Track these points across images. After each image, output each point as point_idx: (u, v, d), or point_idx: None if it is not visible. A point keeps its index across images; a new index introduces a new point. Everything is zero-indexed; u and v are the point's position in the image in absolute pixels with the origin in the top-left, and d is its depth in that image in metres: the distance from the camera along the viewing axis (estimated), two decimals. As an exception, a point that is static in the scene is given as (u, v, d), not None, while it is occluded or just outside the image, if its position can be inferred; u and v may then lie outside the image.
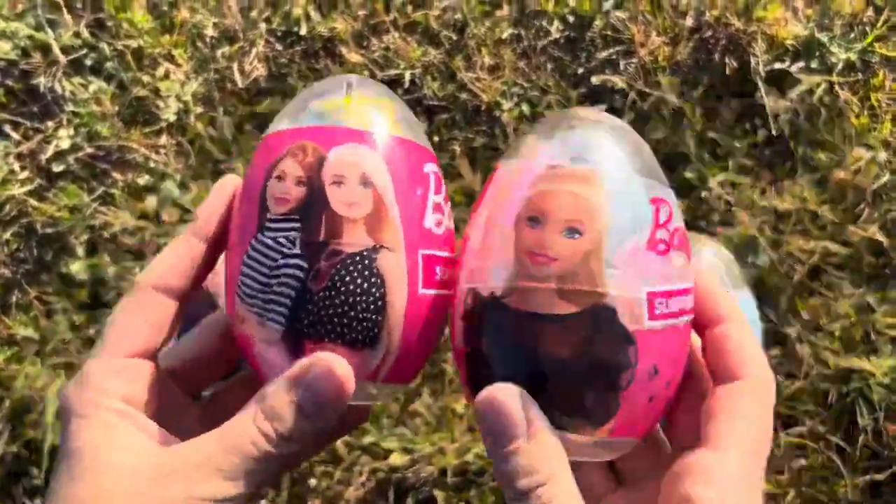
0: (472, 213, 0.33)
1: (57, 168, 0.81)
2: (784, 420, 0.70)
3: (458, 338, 0.31)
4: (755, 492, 0.30)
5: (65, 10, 0.85)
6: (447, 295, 0.33)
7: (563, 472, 0.28)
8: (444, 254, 0.34)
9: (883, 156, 0.75)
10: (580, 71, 0.81)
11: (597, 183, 0.30)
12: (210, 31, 0.85)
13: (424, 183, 0.33)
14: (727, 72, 0.79)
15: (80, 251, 0.80)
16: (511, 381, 0.29)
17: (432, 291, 0.33)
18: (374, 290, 0.32)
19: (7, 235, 0.80)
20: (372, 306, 0.32)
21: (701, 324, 0.33)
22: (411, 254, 0.33)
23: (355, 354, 0.31)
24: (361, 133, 0.32)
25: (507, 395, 0.28)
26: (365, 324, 0.31)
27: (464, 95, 0.82)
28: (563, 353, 0.29)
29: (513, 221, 0.30)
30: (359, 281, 0.31)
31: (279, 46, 0.85)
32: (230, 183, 0.33)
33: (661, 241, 0.30)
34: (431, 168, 0.34)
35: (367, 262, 0.32)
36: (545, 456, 0.28)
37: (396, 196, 0.32)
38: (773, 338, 0.72)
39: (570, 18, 0.83)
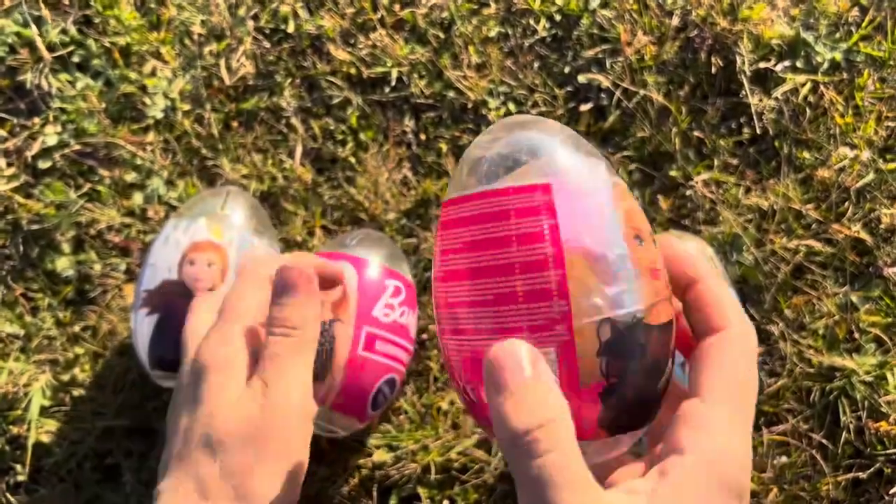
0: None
1: (43, 165, 0.81)
2: (767, 418, 0.70)
3: (590, 377, 0.30)
4: (744, 436, 0.30)
5: (43, 7, 0.85)
6: (381, 363, 0.57)
7: (564, 419, 0.27)
8: (386, 334, 0.57)
9: (867, 155, 0.75)
10: (567, 69, 0.82)
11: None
12: (197, 29, 0.85)
13: (381, 290, 0.58)
14: (713, 71, 0.79)
15: (66, 248, 0.80)
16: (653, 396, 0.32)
17: (369, 355, 0.56)
18: (327, 344, 0.52)
19: (-7, 232, 0.80)
20: (325, 354, 0.52)
21: (679, 288, 0.34)
22: (357, 328, 0.55)
23: (314, 383, 0.44)
24: (362, 260, 0.60)
25: (515, 344, 0.28)
26: (318, 363, 0.47)
27: (451, 94, 0.82)
28: (669, 355, 0.32)
29: (623, 242, 0.30)
30: (322, 337, 0.49)
31: (267, 44, 0.85)
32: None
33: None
34: (392, 283, 0.60)
35: (327, 326, 0.53)
36: (549, 401, 0.27)
37: (359, 292, 0.56)
38: (757, 336, 0.72)
39: (557, 17, 0.83)
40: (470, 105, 0.81)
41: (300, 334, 0.39)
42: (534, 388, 0.27)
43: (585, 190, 0.29)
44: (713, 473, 0.28)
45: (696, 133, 0.78)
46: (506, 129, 0.33)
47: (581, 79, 0.81)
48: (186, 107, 0.83)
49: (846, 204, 0.74)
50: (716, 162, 0.77)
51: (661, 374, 0.31)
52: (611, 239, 0.29)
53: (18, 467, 0.74)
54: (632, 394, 0.30)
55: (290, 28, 0.85)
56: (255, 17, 0.86)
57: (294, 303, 0.39)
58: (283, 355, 0.39)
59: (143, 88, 0.83)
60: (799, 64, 0.79)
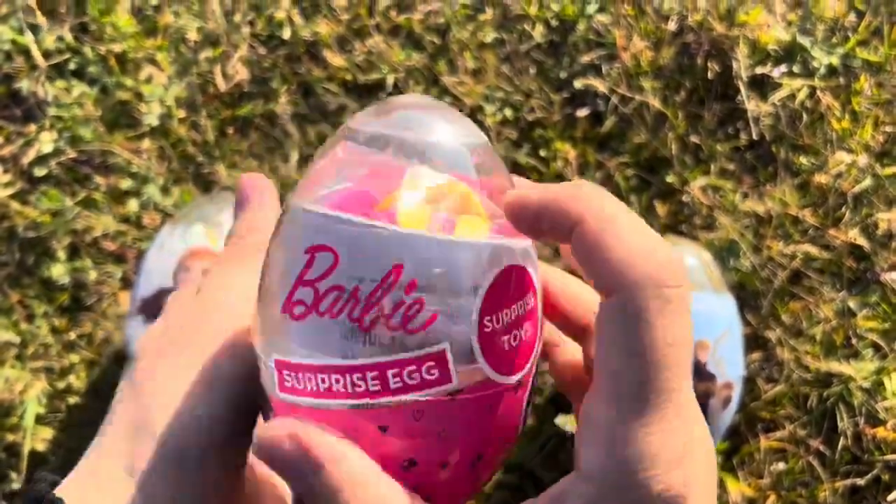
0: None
1: (39, 172, 0.81)
2: (764, 424, 0.70)
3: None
4: (654, 434, 0.22)
5: (39, 14, 0.85)
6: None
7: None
8: None
9: (864, 160, 0.75)
10: (563, 75, 0.81)
11: None
12: (193, 35, 0.85)
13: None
14: (709, 76, 0.79)
15: (62, 255, 0.80)
16: None
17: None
18: None
19: (-12, 239, 0.80)
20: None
21: (561, 240, 0.26)
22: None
23: None
24: None
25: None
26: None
27: (447, 99, 0.82)
28: None
29: None
30: None
31: (262, 50, 0.85)
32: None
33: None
34: None
35: None
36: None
37: None
38: (754, 342, 0.72)
39: (553, 22, 0.83)
40: (466, 111, 0.81)
41: (241, 241, 0.35)
42: None
43: None
44: (613, 500, 0.22)
45: (692, 138, 0.78)
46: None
47: (577, 84, 0.80)
48: (182, 113, 0.83)
49: (843, 209, 0.74)
50: (713, 167, 0.77)
51: None
52: None
53: (14, 475, 0.74)
54: None
55: (286, 34, 0.85)
56: (251, 24, 0.86)
57: (243, 215, 0.35)
58: (221, 262, 0.35)
59: (139, 95, 0.83)
60: (796, 69, 0.79)
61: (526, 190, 0.26)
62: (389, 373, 0.25)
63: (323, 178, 0.28)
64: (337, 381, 0.26)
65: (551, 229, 0.25)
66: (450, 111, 0.28)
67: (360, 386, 0.26)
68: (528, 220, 0.25)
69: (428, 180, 0.27)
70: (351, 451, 0.25)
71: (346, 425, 0.26)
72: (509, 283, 0.26)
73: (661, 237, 0.24)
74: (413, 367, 0.25)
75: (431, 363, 0.25)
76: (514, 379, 0.26)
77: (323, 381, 0.26)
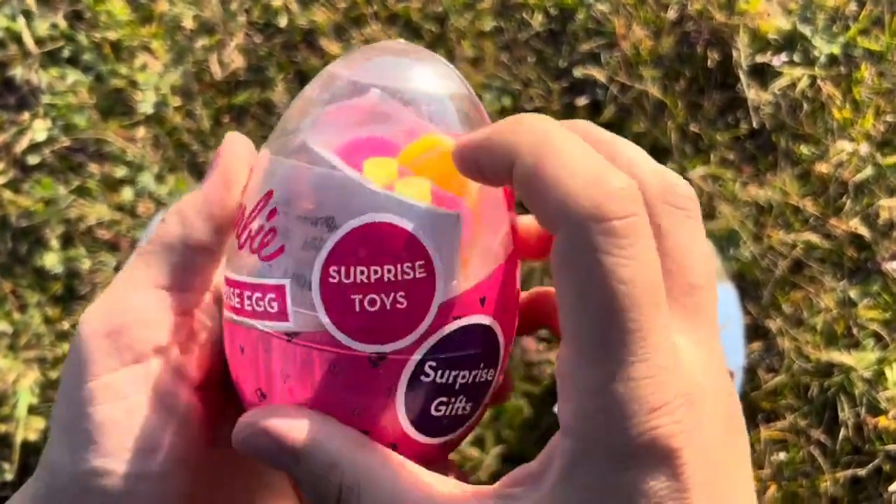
0: None
1: (32, 160, 0.80)
2: (765, 414, 0.70)
3: None
4: (606, 395, 0.20)
5: (32, 1, 0.84)
6: None
7: None
8: None
9: (865, 149, 0.74)
10: (562, 64, 0.81)
11: None
12: (189, 23, 0.85)
13: None
14: (709, 65, 0.78)
15: (55, 244, 0.79)
16: None
17: None
18: None
19: (-19, 228, 0.79)
20: None
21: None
22: None
23: None
24: None
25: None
26: None
27: (445, 88, 0.81)
28: None
29: None
30: None
31: (258, 38, 0.84)
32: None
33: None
34: None
35: None
36: None
37: None
38: (755, 332, 0.71)
39: (553, 11, 0.82)
40: (464, 99, 0.81)
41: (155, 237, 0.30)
42: None
43: None
44: (596, 453, 0.20)
45: (692, 127, 0.77)
46: None
47: (577, 73, 0.80)
48: (177, 101, 0.82)
49: (844, 198, 0.73)
50: (713, 156, 0.76)
51: None
52: None
53: (6, 465, 0.73)
54: None
55: (283, 22, 0.84)
56: (247, 12, 0.85)
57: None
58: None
59: (134, 83, 0.83)
60: (796, 58, 0.78)
61: (471, 133, 0.24)
62: (245, 293, 0.25)
63: (338, 122, 0.26)
64: (226, 292, 0.27)
65: (492, 170, 0.22)
66: (433, 58, 0.27)
67: (231, 300, 0.26)
68: (468, 162, 0.23)
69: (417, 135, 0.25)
70: (322, 428, 0.24)
71: (227, 335, 0.27)
72: (383, 242, 0.24)
73: (608, 164, 0.21)
74: (259, 295, 0.25)
75: (272, 295, 0.24)
76: (366, 348, 0.24)
77: (226, 293, 0.27)
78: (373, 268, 0.24)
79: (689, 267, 0.23)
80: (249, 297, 0.25)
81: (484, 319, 0.25)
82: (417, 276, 0.24)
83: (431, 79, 0.26)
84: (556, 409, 0.70)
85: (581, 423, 0.21)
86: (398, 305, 0.24)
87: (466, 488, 0.23)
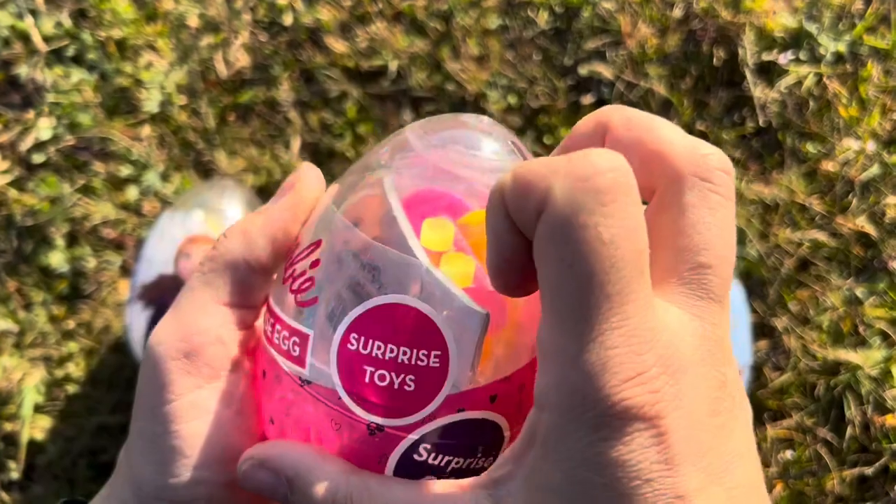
0: None
1: (37, 159, 0.80)
2: (771, 413, 0.70)
3: None
4: (584, 364, 0.20)
5: (46, -2, 0.84)
6: None
7: None
8: None
9: (872, 147, 0.74)
10: (568, 62, 0.81)
11: None
12: (194, 21, 0.84)
13: None
14: (715, 63, 0.78)
15: (60, 243, 0.79)
16: None
17: None
18: None
19: (-14, 226, 0.79)
20: None
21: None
22: None
23: None
24: None
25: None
26: None
27: (450, 86, 0.81)
28: None
29: None
30: None
31: (264, 36, 0.84)
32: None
33: None
34: None
35: None
36: None
37: None
38: (761, 330, 0.71)
39: (558, 9, 0.82)
40: (469, 98, 0.80)
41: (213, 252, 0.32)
42: None
43: None
44: (572, 425, 0.20)
45: (698, 125, 0.77)
46: None
47: (582, 71, 0.80)
48: (182, 100, 0.82)
49: (851, 196, 0.73)
50: (719, 154, 0.76)
51: None
52: None
53: (12, 464, 0.73)
54: None
55: (288, 20, 0.84)
56: (252, 10, 0.85)
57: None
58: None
59: (139, 82, 0.82)
60: (802, 56, 0.78)
61: None
62: (277, 326, 0.26)
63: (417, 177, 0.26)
64: (265, 314, 0.28)
65: (519, 209, 0.21)
66: (507, 134, 0.27)
67: (266, 325, 0.27)
68: (498, 207, 0.22)
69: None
70: (315, 458, 0.25)
71: (258, 354, 0.29)
72: (405, 323, 0.24)
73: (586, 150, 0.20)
74: (286, 334, 0.26)
75: (297, 339, 0.25)
76: (367, 416, 0.24)
77: (265, 316, 0.28)
78: (389, 345, 0.24)
79: (699, 247, 0.22)
80: (279, 333, 0.26)
81: (491, 416, 0.25)
82: (431, 364, 0.24)
83: (505, 153, 0.26)
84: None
85: (556, 395, 0.20)
86: (406, 387, 0.24)
87: (460, 482, 0.23)
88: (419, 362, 0.24)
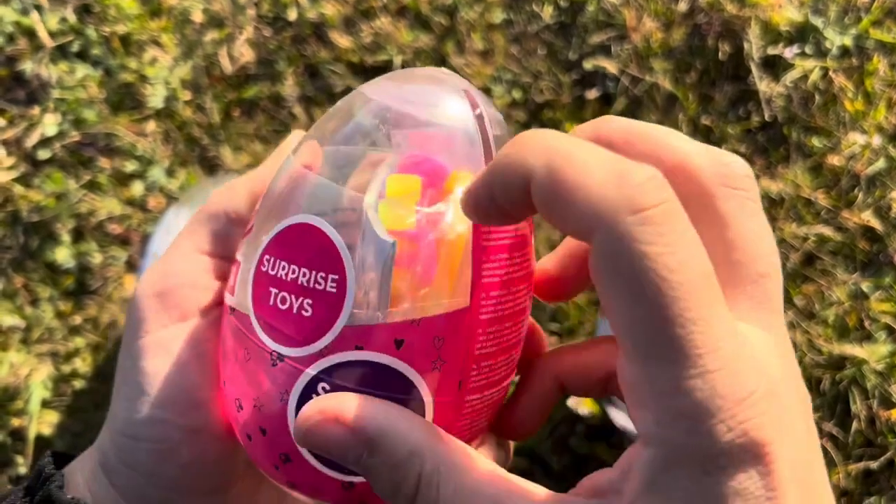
0: None
1: (43, 154, 0.80)
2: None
3: None
4: (680, 397, 0.19)
5: (51, -6, 0.84)
6: None
7: None
8: None
9: (877, 141, 0.74)
10: (572, 56, 0.80)
11: None
12: (198, 16, 0.84)
13: None
14: (721, 57, 0.78)
15: (66, 238, 0.79)
16: None
17: None
18: None
19: (-8, 222, 0.80)
20: None
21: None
22: None
23: None
24: None
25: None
26: None
27: (455, 81, 0.81)
28: None
29: None
30: None
31: (268, 32, 0.84)
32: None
33: None
34: None
35: None
36: None
37: None
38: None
39: (563, 3, 0.82)
40: (474, 92, 0.80)
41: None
42: None
43: None
44: (682, 458, 0.19)
45: (704, 120, 0.77)
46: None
47: (587, 65, 0.79)
48: (187, 95, 0.82)
49: (856, 191, 0.73)
50: (724, 149, 0.76)
51: None
52: None
53: (20, 459, 0.73)
54: None
55: (292, 15, 0.84)
56: (257, 5, 0.85)
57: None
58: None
59: (143, 77, 0.82)
60: (808, 49, 0.78)
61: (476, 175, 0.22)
62: (232, 269, 0.27)
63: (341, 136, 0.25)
64: None
65: (508, 198, 0.21)
66: (462, 90, 0.25)
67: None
68: (483, 203, 0.21)
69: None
70: (399, 417, 0.22)
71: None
72: (309, 243, 0.23)
73: (624, 158, 0.19)
74: (232, 270, 0.26)
75: (233, 269, 0.26)
76: (270, 344, 0.23)
77: None
78: (292, 266, 0.23)
79: (755, 256, 0.22)
80: (230, 272, 0.27)
81: (396, 363, 0.23)
82: (328, 288, 0.23)
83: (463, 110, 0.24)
84: (569, 402, 0.70)
85: (661, 429, 0.19)
86: (304, 312, 0.23)
87: (544, 491, 0.22)
88: (317, 285, 0.23)
